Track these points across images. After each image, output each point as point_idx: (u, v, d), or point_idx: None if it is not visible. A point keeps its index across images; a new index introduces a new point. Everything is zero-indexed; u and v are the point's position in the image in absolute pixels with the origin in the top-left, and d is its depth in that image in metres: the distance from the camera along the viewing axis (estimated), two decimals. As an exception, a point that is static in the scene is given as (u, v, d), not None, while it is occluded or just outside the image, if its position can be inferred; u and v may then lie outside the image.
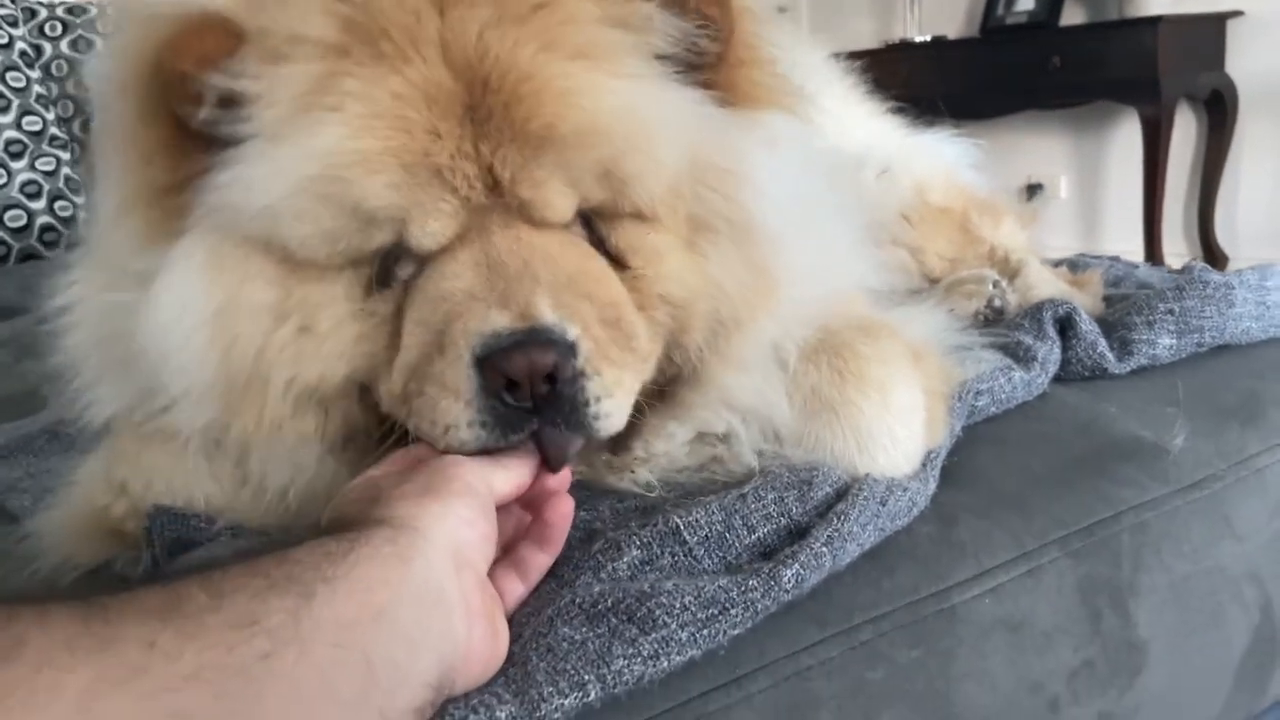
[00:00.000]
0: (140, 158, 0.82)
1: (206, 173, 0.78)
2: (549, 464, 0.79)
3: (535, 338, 0.75)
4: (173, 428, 0.86)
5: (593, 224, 0.82)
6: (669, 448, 0.91)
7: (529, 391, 0.75)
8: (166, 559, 0.86)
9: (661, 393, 0.89)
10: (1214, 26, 4.41)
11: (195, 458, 0.88)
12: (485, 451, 0.77)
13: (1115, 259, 1.65)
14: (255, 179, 0.75)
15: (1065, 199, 5.08)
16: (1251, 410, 1.15)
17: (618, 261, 0.83)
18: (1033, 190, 5.05)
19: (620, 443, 0.89)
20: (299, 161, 0.74)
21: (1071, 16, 4.79)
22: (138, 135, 0.82)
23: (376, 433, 0.84)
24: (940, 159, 1.58)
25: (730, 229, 0.85)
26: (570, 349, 0.76)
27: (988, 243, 1.48)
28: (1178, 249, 4.70)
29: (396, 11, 0.77)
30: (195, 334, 0.80)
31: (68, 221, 2.59)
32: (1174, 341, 1.22)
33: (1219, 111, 4.48)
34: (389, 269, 0.80)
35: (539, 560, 0.78)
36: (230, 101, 0.76)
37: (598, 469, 0.91)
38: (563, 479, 0.81)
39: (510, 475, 0.77)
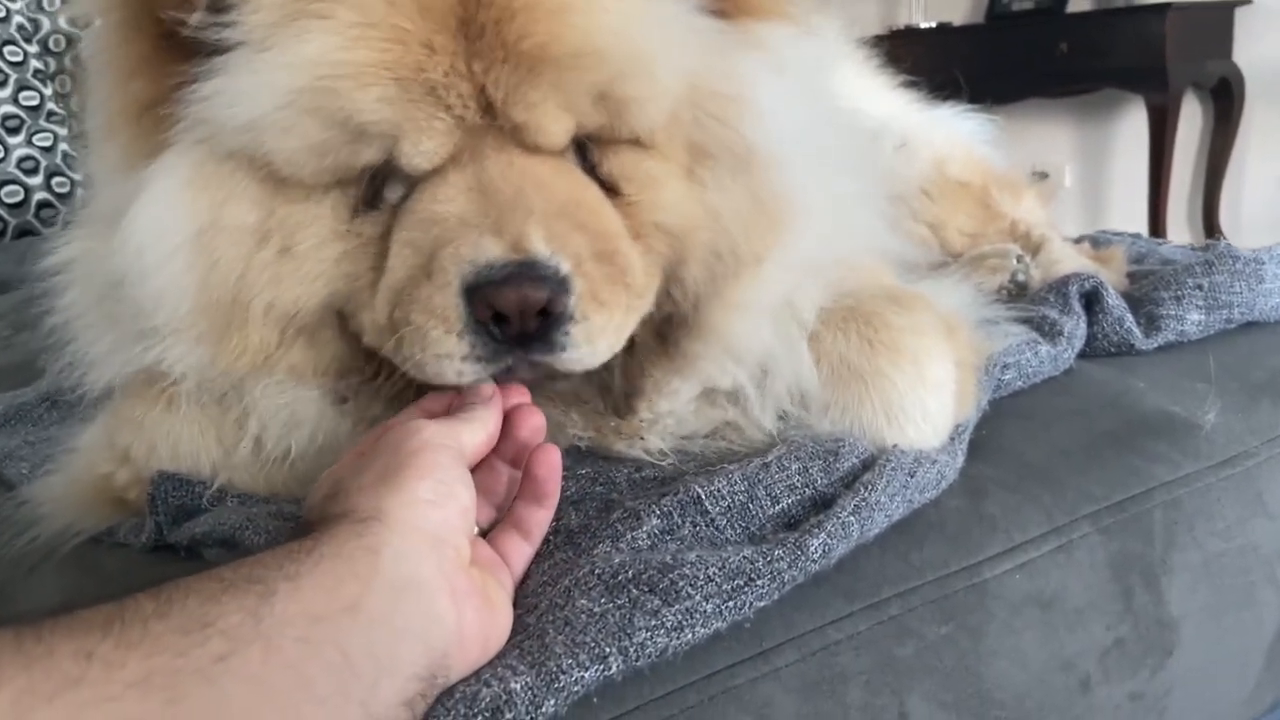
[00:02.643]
0: (122, 75, 0.79)
1: (190, 84, 0.75)
2: None
3: (528, 271, 0.72)
4: (168, 379, 0.83)
5: (586, 150, 0.79)
6: (674, 406, 0.88)
7: (517, 326, 0.73)
8: (171, 526, 0.84)
9: (663, 343, 0.86)
10: (1222, 14, 4.38)
11: (201, 419, 0.86)
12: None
13: (1137, 236, 1.62)
14: (241, 91, 0.72)
15: (1070, 188, 5.05)
16: (1283, 387, 1.13)
17: (610, 189, 0.80)
18: (1037, 178, 5.02)
19: (625, 405, 0.86)
20: (287, 72, 0.71)
21: (1079, 3, 4.75)
22: (119, 52, 0.79)
23: (364, 372, 0.82)
24: (958, 133, 1.55)
25: (731, 158, 0.82)
26: (563, 284, 0.73)
27: (1008, 217, 1.45)
28: (1182, 239, 4.68)
29: None
30: (174, 257, 0.77)
31: (65, 198, 2.56)
32: (1202, 317, 1.19)
33: (1226, 100, 4.45)
34: (377, 190, 0.77)
35: (538, 516, 0.75)
36: (217, 6, 0.73)
37: (606, 435, 0.88)
38: (534, 428, 0.77)
39: (478, 427, 0.73)
